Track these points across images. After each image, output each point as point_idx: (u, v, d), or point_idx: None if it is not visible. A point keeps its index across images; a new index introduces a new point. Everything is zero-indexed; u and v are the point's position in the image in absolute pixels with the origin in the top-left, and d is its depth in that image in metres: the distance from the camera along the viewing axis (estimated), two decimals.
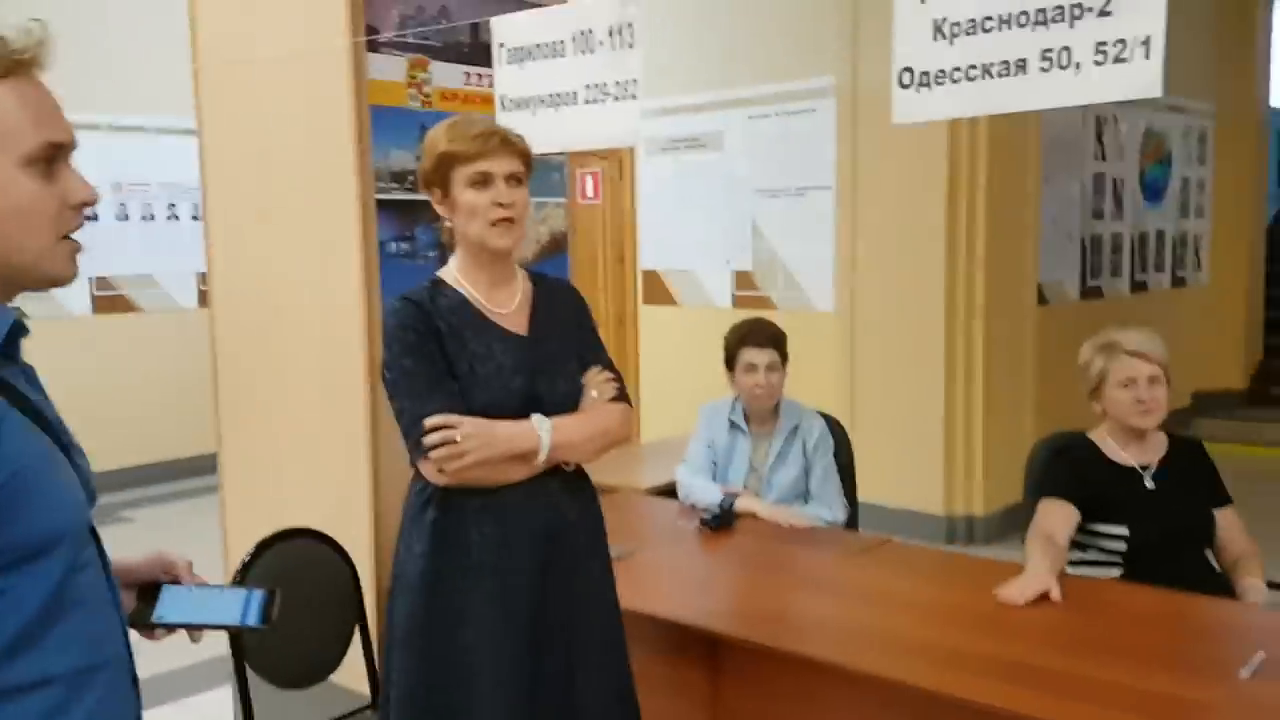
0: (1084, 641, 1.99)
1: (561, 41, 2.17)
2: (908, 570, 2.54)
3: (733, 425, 3.13)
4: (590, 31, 2.13)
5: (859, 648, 2.03)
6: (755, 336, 3.05)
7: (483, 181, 1.77)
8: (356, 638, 2.39)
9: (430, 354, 1.77)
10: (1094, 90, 1.55)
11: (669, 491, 3.23)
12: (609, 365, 1.93)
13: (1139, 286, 6.78)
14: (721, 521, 2.81)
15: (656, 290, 6.32)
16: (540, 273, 1.99)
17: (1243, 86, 7.48)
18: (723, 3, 5.83)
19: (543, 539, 1.80)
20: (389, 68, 2.64)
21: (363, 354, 2.63)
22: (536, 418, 1.77)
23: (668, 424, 5.74)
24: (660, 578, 2.50)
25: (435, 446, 1.70)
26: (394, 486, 1.91)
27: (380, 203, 2.61)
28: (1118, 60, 1.52)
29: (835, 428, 3.23)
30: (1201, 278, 7.54)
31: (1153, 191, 6.83)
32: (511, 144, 1.81)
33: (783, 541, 2.71)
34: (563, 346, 1.88)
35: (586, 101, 2.16)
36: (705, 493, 2.98)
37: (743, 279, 5.92)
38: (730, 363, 3.09)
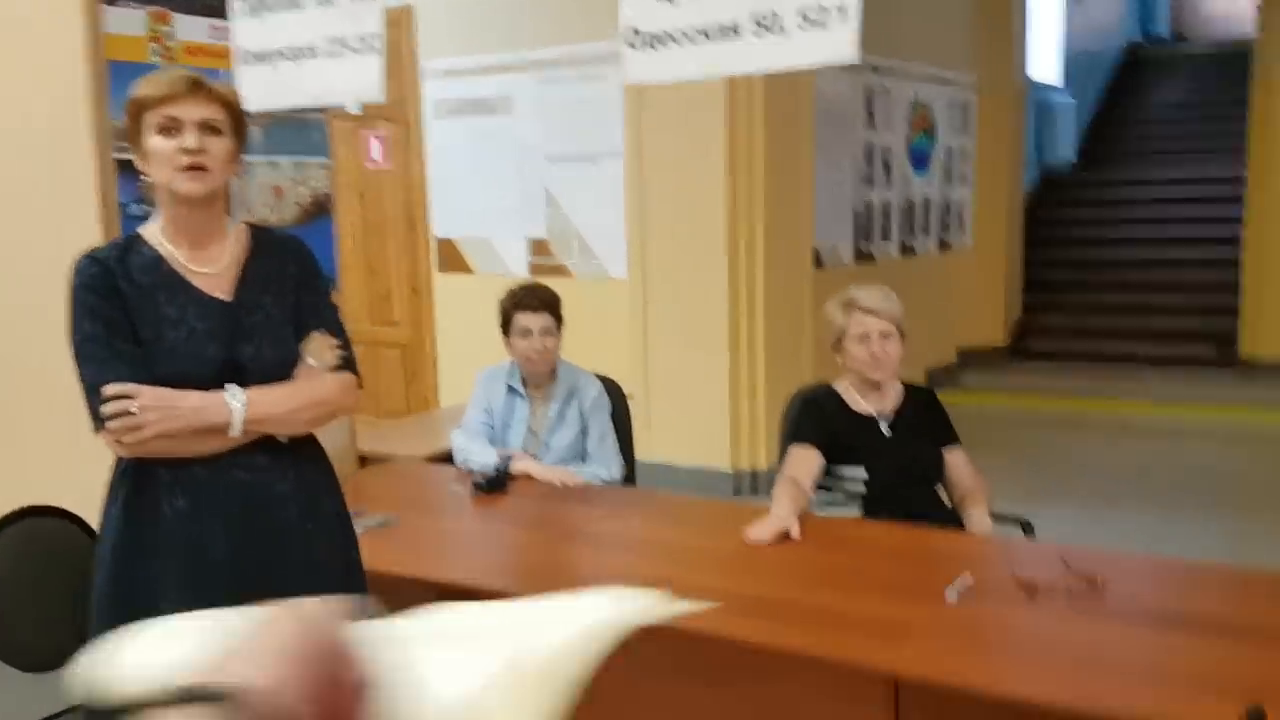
0: (819, 574, 2.15)
1: None
2: (668, 519, 2.66)
3: (510, 389, 3.16)
4: None
5: None
6: (528, 301, 3.08)
7: (171, 127, 1.69)
8: None
9: (111, 317, 1.68)
10: (798, 55, 1.65)
11: (449, 458, 3.23)
12: (336, 329, 1.85)
13: (908, 250, 7.21)
14: (494, 484, 2.84)
15: (451, 258, 6.25)
16: (265, 228, 1.90)
17: (1001, 59, 7.99)
18: None
19: (241, 514, 1.72)
20: (128, 22, 2.50)
21: None
22: (230, 389, 1.69)
23: (467, 392, 5.70)
24: (429, 541, 2.51)
25: (114, 416, 1.62)
26: None
27: (121, 163, 2.48)
28: (818, 25, 1.62)
29: (612, 389, 3.31)
30: (966, 241, 8.08)
31: (919, 160, 7.25)
32: (206, 89, 1.72)
33: (554, 500, 2.77)
34: (277, 310, 1.78)
35: (327, 55, 2.11)
36: (481, 456, 3.01)
37: (538, 246, 5.93)
38: (505, 328, 3.12)
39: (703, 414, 5.36)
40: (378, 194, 6.39)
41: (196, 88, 1.71)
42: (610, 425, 3.19)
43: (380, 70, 2.10)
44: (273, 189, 2.71)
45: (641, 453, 3.49)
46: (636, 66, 1.83)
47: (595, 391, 3.18)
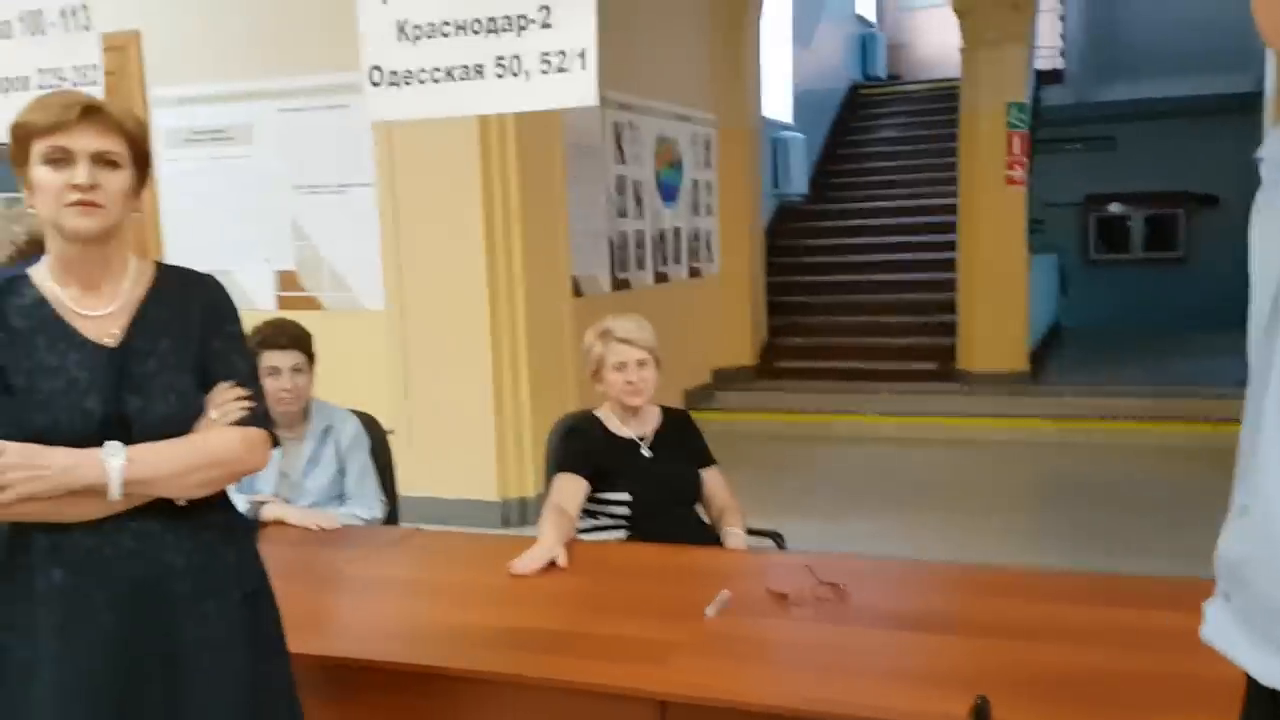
0: (587, 601, 2.18)
1: (6, 22, 1.95)
2: (434, 556, 2.62)
3: None
4: (39, 12, 1.93)
5: (382, 639, 2.06)
6: (276, 339, 2.95)
7: (60, 159, 1.51)
8: None
9: None
10: (540, 98, 1.69)
11: None
12: (245, 380, 1.64)
13: (661, 278, 7.48)
14: None
15: None
16: (176, 266, 1.70)
17: (737, 99, 8.46)
18: None
19: (129, 589, 1.52)
20: None
21: None
22: (109, 446, 1.49)
23: None
24: None
25: None
26: None
27: None
28: (560, 70, 1.67)
29: (371, 425, 3.23)
30: (713, 269, 8.47)
31: (668, 192, 7.55)
32: (102, 116, 1.53)
33: (311, 545, 2.67)
34: (176, 357, 1.59)
35: (41, 87, 1.96)
36: None
37: (286, 279, 5.71)
38: None
39: (468, 445, 5.31)
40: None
41: (91, 115, 1.52)
42: (370, 463, 3.11)
43: None
44: None
45: (407, 488, 3.42)
46: (379, 104, 1.81)
47: (352, 429, 3.09)
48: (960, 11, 8.02)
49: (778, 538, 2.92)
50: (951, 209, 8.61)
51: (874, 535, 5.08)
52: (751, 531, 2.85)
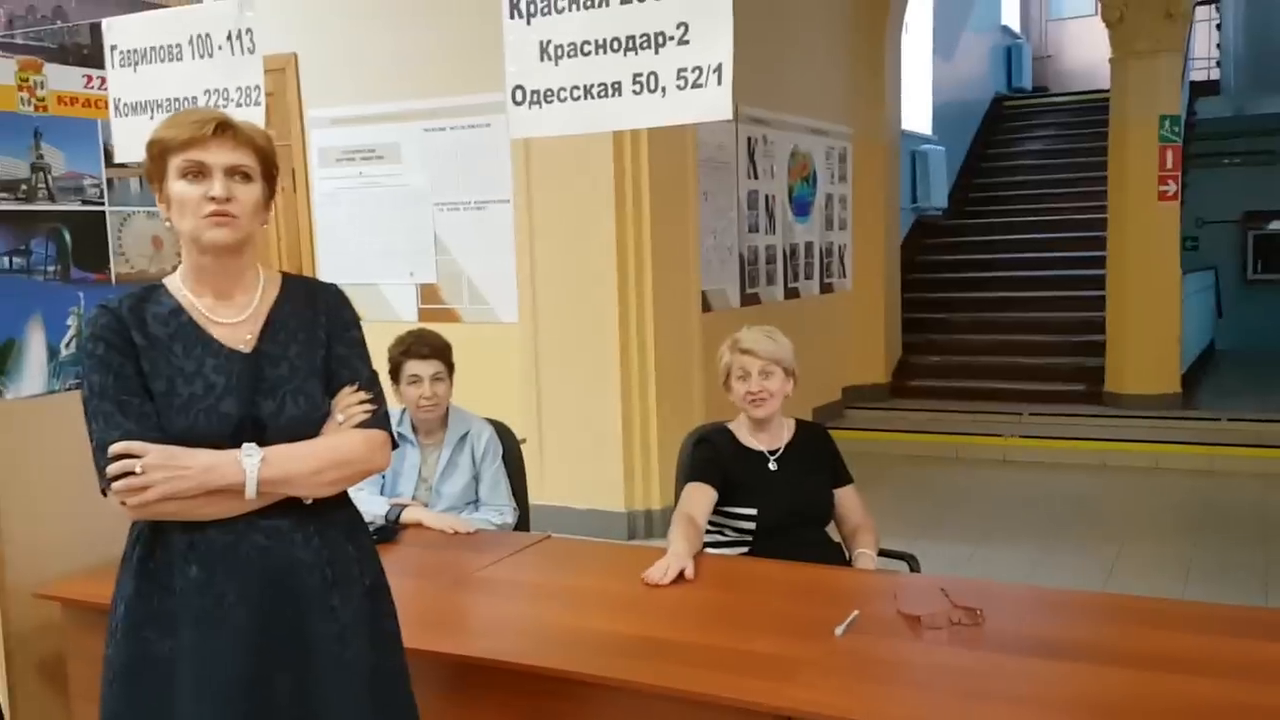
0: (712, 614, 2.19)
1: (178, 45, 2.10)
2: (562, 563, 2.65)
3: (400, 437, 3.12)
4: (208, 36, 2.07)
5: (512, 641, 2.11)
6: (418, 348, 3.07)
7: (196, 172, 1.57)
8: None
9: (121, 370, 1.57)
10: (675, 113, 1.72)
11: None
12: (367, 383, 1.71)
13: (792, 293, 7.42)
14: (384, 533, 2.80)
15: None
16: (300, 276, 1.78)
17: (875, 112, 8.33)
18: (388, 14, 5.80)
19: (261, 584, 1.59)
20: None
21: None
22: (246, 447, 1.56)
23: None
24: None
25: (120, 477, 1.51)
26: None
27: None
28: (695, 85, 1.69)
29: (504, 434, 3.31)
30: (846, 285, 8.35)
31: (801, 207, 7.49)
32: (234, 131, 1.60)
33: (446, 548, 2.75)
34: (304, 362, 1.66)
35: (208, 107, 2.10)
36: (370, 505, 2.96)
37: (428, 292, 5.91)
38: (395, 375, 3.09)
39: (596, 456, 5.38)
40: (264, 241, 6.27)
41: (224, 130, 1.60)
42: (503, 470, 3.18)
43: (261, 123, 2.08)
44: (151, 239, 2.65)
45: (535, 496, 3.49)
46: (521, 122, 1.87)
47: (487, 437, 3.18)
48: (1110, 21, 7.72)
49: (912, 560, 2.85)
50: (1100, 225, 8.27)
51: (1012, 562, 4.91)
52: (884, 553, 2.79)
